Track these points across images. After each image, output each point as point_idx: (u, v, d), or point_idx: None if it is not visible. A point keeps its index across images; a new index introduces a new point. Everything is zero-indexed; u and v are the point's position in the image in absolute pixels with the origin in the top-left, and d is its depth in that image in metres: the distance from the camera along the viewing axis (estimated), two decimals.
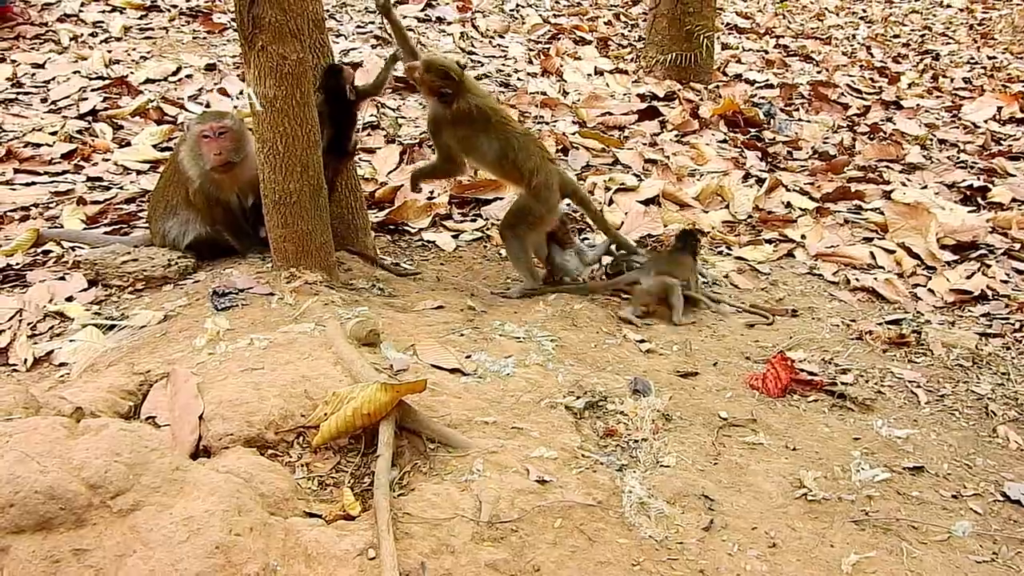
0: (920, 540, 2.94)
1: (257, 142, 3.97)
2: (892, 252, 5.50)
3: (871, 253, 5.47)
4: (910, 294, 5.03)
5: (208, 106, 6.75)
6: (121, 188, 5.57)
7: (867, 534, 2.93)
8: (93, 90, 6.85)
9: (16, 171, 5.68)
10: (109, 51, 7.58)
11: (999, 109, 8.57)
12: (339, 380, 3.19)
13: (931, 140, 7.72)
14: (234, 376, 3.21)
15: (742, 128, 7.70)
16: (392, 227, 5.54)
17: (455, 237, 5.49)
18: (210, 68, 7.50)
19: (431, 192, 5.89)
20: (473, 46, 8.97)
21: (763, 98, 8.46)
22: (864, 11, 13.38)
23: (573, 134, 7.01)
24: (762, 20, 11.95)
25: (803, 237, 5.66)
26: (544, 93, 7.89)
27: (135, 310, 4.04)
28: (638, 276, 4.65)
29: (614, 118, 7.52)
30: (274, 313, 3.83)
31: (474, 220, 5.77)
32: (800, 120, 8.04)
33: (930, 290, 5.07)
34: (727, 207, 6.11)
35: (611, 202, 5.95)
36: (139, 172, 5.81)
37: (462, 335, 3.94)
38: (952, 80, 9.87)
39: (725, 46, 10.34)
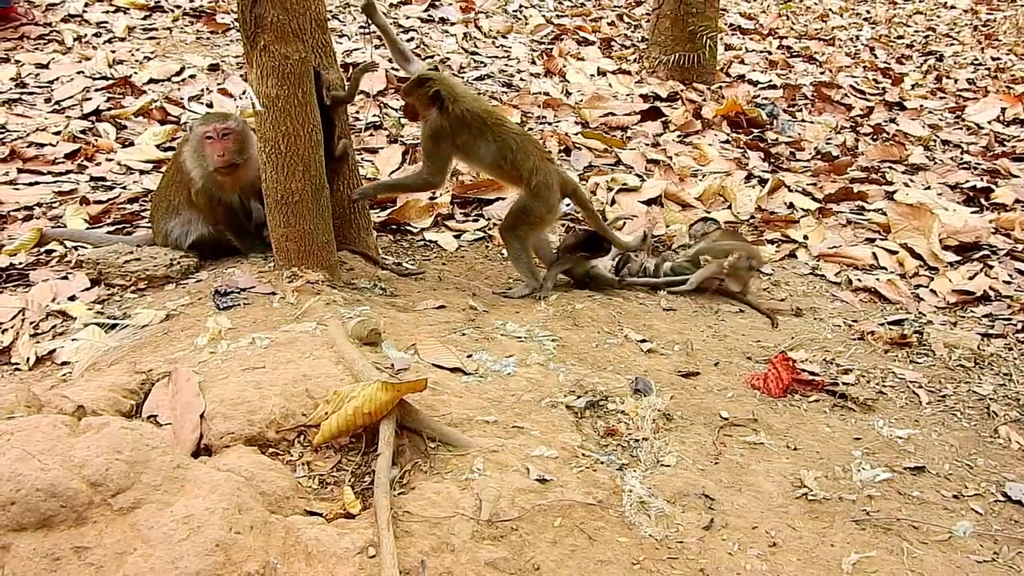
0: (921, 540, 2.93)
1: (259, 141, 3.97)
2: (895, 253, 5.50)
3: (873, 254, 5.47)
4: (912, 295, 5.03)
5: (211, 106, 6.77)
6: (124, 188, 5.58)
7: (868, 534, 2.93)
8: (97, 90, 6.86)
9: (20, 171, 5.69)
10: (113, 51, 7.60)
11: (1003, 110, 8.56)
12: (340, 379, 3.20)
13: (934, 141, 7.72)
14: (235, 375, 3.22)
15: (745, 129, 7.70)
16: (394, 227, 5.55)
17: (457, 237, 5.50)
18: (213, 68, 7.51)
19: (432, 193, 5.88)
20: (476, 47, 8.97)
21: (766, 99, 8.46)
22: (868, 12, 13.36)
23: (576, 134, 7.01)
24: (766, 21, 11.94)
25: (805, 238, 5.67)
26: (547, 93, 7.90)
27: (137, 309, 4.04)
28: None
29: (617, 118, 7.52)
30: (276, 312, 3.84)
31: (476, 220, 5.77)
32: (803, 121, 8.04)
33: (932, 291, 5.07)
34: (729, 207, 6.11)
35: (613, 202, 5.96)
36: (142, 172, 5.82)
37: (463, 334, 3.94)
38: (956, 81, 9.85)
39: (728, 47, 10.34)
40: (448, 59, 8.36)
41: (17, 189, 5.47)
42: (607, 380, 3.65)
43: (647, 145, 7.03)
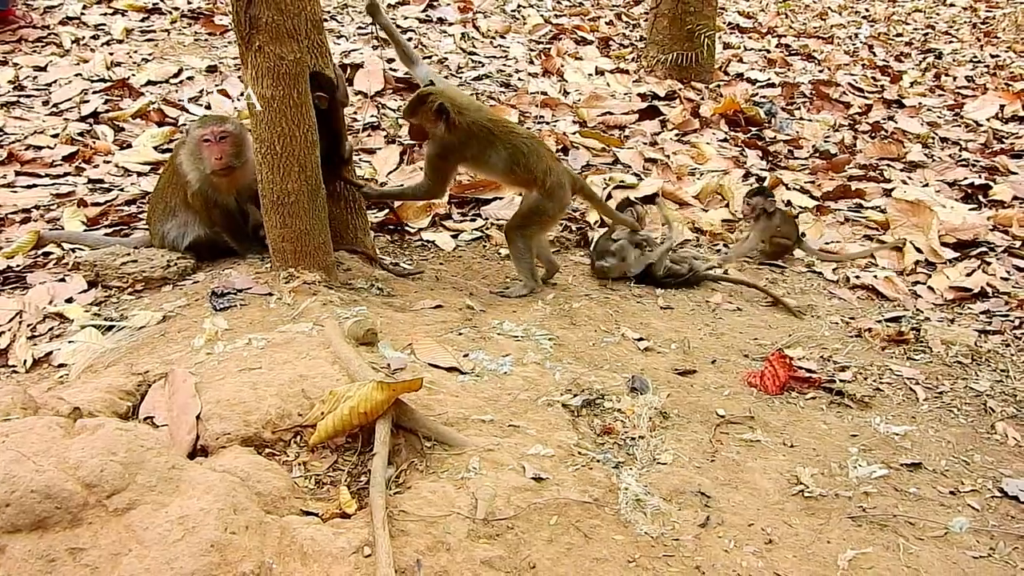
0: (917, 536, 2.93)
1: (255, 142, 3.97)
2: (896, 249, 5.50)
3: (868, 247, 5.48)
4: (910, 292, 5.03)
5: (209, 107, 6.77)
6: (122, 190, 5.59)
7: (864, 530, 2.93)
8: (94, 92, 6.87)
9: (17, 173, 5.70)
10: (111, 53, 7.60)
11: (1001, 107, 8.56)
12: (336, 379, 3.20)
13: (933, 138, 7.72)
14: (232, 376, 3.22)
15: (743, 127, 7.70)
16: (392, 227, 5.55)
17: (454, 237, 5.50)
18: (211, 70, 7.52)
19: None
20: (474, 47, 8.97)
21: (764, 97, 8.46)
22: (867, 10, 13.36)
23: (574, 134, 7.01)
24: (764, 19, 11.95)
25: (803, 235, 5.66)
26: (545, 93, 7.90)
27: (134, 311, 4.05)
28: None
29: (615, 118, 7.53)
30: (272, 313, 3.84)
31: (473, 220, 5.77)
32: (801, 119, 8.04)
33: (930, 288, 5.07)
34: (727, 206, 6.11)
35: (609, 197, 5.96)
36: (140, 174, 5.83)
37: (460, 334, 3.94)
38: (955, 78, 9.85)
39: (727, 45, 10.34)
40: (446, 59, 8.37)
41: (15, 192, 5.48)
42: (604, 378, 3.65)
43: (645, 144, 7.04)
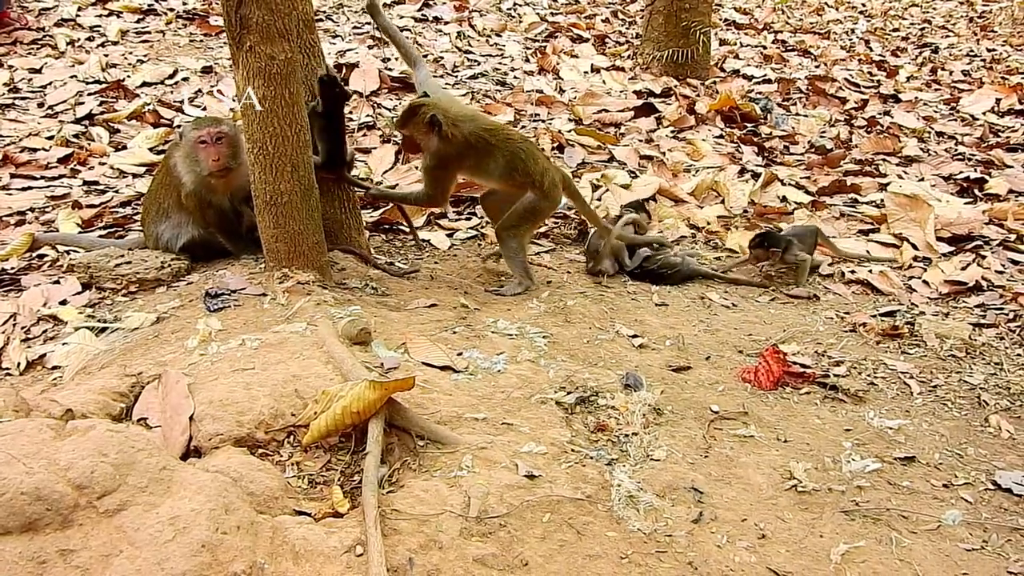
0: (910, 529, 2.94)
1: (247, 143, 3.97)
2: (892, 245, 5.50)
3: (866, 249, 5.47)
4: (905, 286, 5.02)
5: (204, 109, 6.77)
6: (117, 192, 5.59)
7: (857, 524, 2.94)
8: (90, 94, 6.87)
9: (12, 176, 5.70)
10: (106, 55, 7.60)
11: (998, 101, 8.54)
12: (330, 379, 3.20)
13: (929, 133, 7.71)
14: (225, 376, 3.22)
15: (739, 123, 7.69)
16: (387, 226, 5.54)
17: (450, 236, 5.49)
18: (206, 71, 7.52)
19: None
20: (470, 45, 8.97)
21: (760, 93, 8.45)
22: (864, 5, 13.35)
23: (569, 131, 7.00)
24: (760, 15, 11.93)
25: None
26: (540, 91, 7.89)
27: (128, 312, 4.05)
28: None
29: (610, 115, 7.52)
30: (266, 313, 3.84)
31: (469, 219, 5.77)
32: (797, 115, 8.03)
33: (925, 282, 5.06)
34: (722, 202, 6.11)
35: (605, 190, 5.95)
36: (135, 175, 5.83)
37: (454, 332, 3.94)
38: (951, 73, 9.84)
39: (723, 42, 10.33)
40: (442, 58, 8.36)
41: (10, 194, 5.48)
42: (598, 376, 3.65)
43: (640, 141, 7.03)
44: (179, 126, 5.94)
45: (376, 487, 2.72)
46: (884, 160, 6.94)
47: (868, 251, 5.43)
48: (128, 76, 7.25)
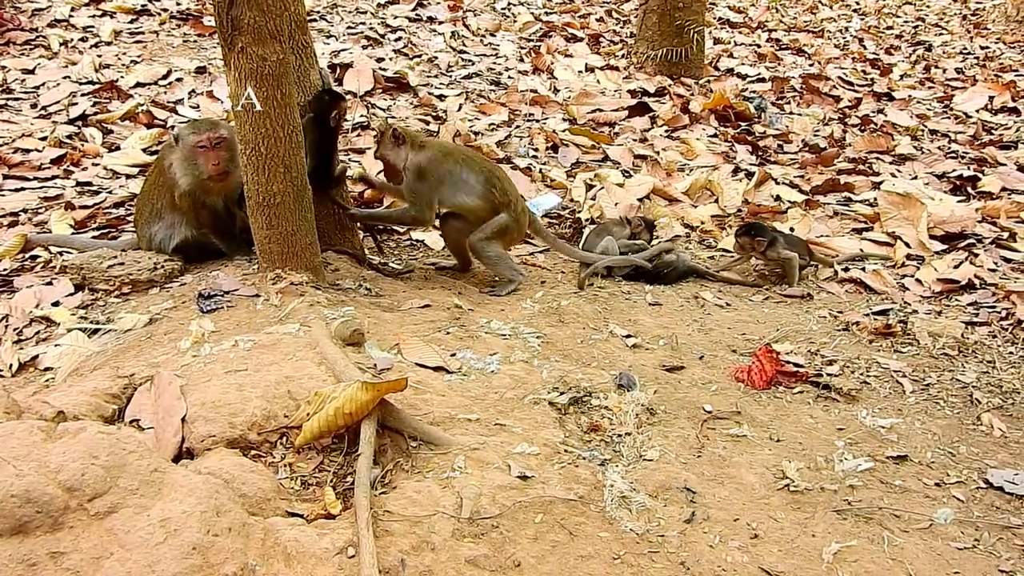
0: (902, 528, 2.94)
1: (240, 144, 3.96)
2: (886, 244, 5.51)
3: (860, 247, 5.48)
4: (898, 284, 5.03)
5: (198, 108, 6.76)
6: (110, 192, 5.58)
7: (849, 523, 2.94)
8: (83, 95, 6.85)
9: (5, 177, 5.69)
10: (99, 55, 7.59)
11: (991, 98, 8.57)
12: (322, 380, 3.19)
13: (922, 131, 7.72)
14: (218, 378, 3.22)
15: (733, 122, 7.70)
16: (381, 227, 5.54)
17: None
18: (200, 71, 7.51)
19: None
20: (464, 45, 8.96)
21: (754, 92, 8.46)
22: (857, 3, 13.36)
23: (563, 131, 7.02)
24: (754, 14, 11.94)
25: (791, 230, 5.66)
26: (535, 91, 7.90)
27: (121, 314, 4.04)
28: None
29: (604, 114, 7.53)
30: (259, 314, 3.84)
31: None
32: (791, 113, 8.04)
33: (918, 280, 5.07)
34: (716, 201, 6.11)
35: (600, 189, 5.96)
36: (128, 176, 5.82)
37: (448, 333, 3.94)
38: (944, 71, 9.86)
39: (717, 41, 10.34)
40: (436, 58, 8.36)
41: (2, 195, 5.47)
42: (591, 376, 3.65)
43: (635, 140, 7.04)
44: (173, 127, 5.93)
45: (368, 488, 2.71)
46: (877, 158, 6.95)
47: (862, 249, 5.45)
48: (122, 77, 7.23)
